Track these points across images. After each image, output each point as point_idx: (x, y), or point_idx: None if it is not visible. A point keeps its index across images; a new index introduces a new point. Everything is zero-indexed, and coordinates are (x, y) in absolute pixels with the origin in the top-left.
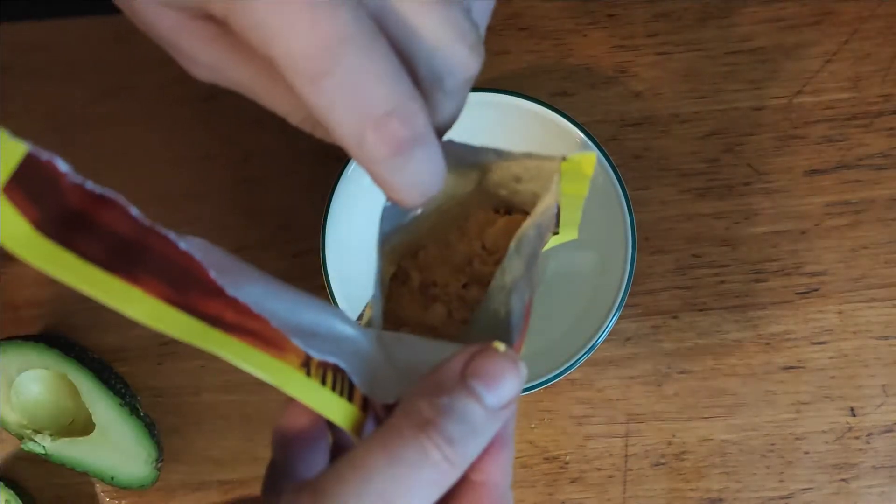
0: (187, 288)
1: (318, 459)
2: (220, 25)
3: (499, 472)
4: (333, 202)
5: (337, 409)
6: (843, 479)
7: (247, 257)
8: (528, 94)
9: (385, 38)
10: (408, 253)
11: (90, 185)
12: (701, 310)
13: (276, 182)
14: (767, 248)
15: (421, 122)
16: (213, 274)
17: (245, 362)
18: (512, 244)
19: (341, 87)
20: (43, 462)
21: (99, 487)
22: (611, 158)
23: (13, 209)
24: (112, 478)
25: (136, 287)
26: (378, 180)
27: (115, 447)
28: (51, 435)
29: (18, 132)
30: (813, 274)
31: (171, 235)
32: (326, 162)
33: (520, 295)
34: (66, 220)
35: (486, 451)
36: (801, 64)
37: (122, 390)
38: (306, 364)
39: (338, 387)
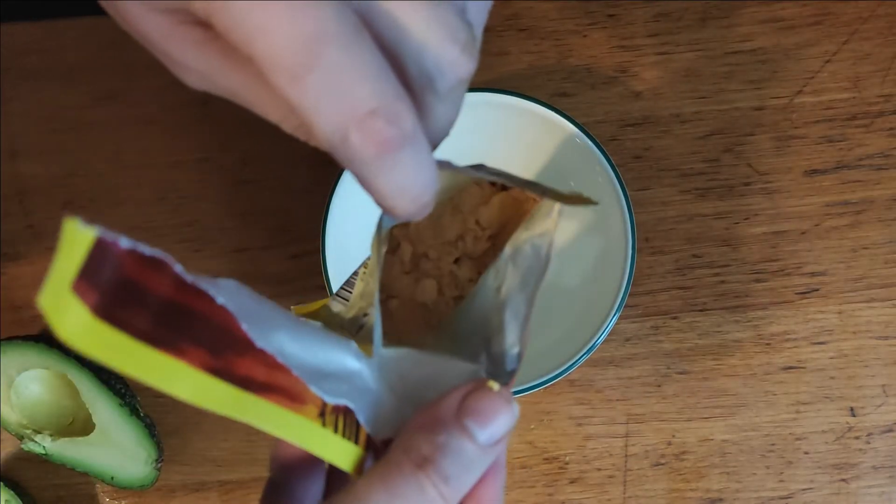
0: (224, 349)
1: (314, 481)
2: (209, 31)
3: (491, 499)
4: (333, 203)
5: (344, 456)
6: (843, 480)
7: (246, 258)
8: (528, 95)
9: (371, 36)
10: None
11: (141, 247)
12: (701, 310)
13: (274, 184)
14: (767, 249)
15: (408, 122)
16: (244, 326)
17: (271, 426)
18: (508, 248)
19: (323, 85)
20: (43, 462)
21: (99, 487)
22: (611, 158)
23: (77, 301)
24: (112, 478)
25: (180, 360)
26: (366, 185)
27: (115, 447)
28: (51, 435)
29: (18, 133)
30: (813, 274)
31: (210, 290)
32: (324, 164)
33: (514, 312)
34: (118, 294)
35: (481, 481)
36: (801, 64)
37: (122, 390)
38: (322, 413)
39: (347, 430)
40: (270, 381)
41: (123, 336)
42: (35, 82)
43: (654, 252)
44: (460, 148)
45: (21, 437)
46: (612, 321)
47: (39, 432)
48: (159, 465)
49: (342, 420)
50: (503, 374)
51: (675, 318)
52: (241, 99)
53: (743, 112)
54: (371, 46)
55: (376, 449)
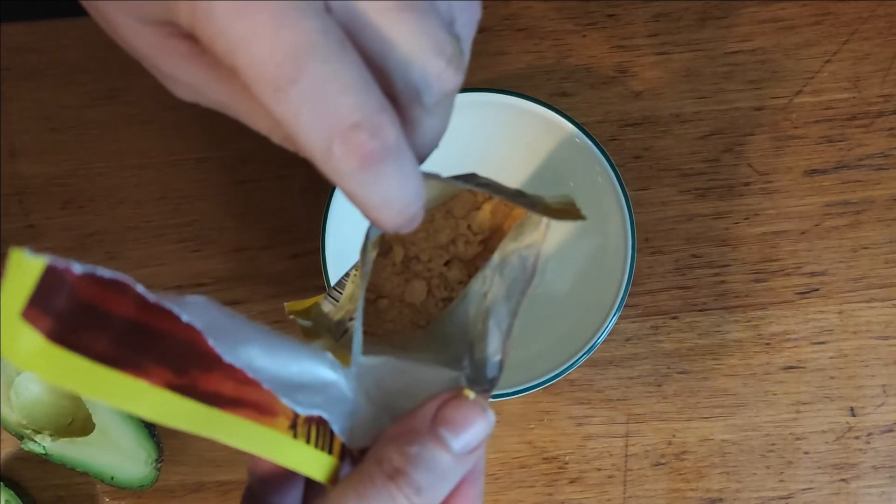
0: (190, 366)
1: (292, 490)
2: (196, 44)
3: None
4: (333, 203)
5: (317, 466)
6: (843, 479)
7: (246, 258)
8: (528, 95)
9: (356, 48)
10: None
11: (100, 271)
12: (701, 310)
13: (273, 184)
14: (767, 249)
15: (391, 134)
16: (211, 342)
17: (239, 441)
18: (496, 255)
19: (306, 97)
20: (43, 462)
21: (99, 487)
22: (611, 158)
23: (29, 328)
24: (112, 478)
25: (141, 379)
26: (351, 197)
27: (115, 447)
28: (51, 435)
29: (17, 133)
30: (813, 274)
31: (175, 308)
32: None
33: (498, 322)
34: (74, 318)
35: (457, 488)
36: (801, 64)
37: None
38: (294, 424)
39: (320, 440)
40: (239, 396)
41: (81, 359)
42: (35, 82)
43: (654, 252)
44: (460, 148)
45: (21, 437)
46: (612, 321)
47: (39, 432)
48: (159, 465)
49: (315, 430)
50: (484, 381)
51: (675, 318)
52: (230, 111)
53: (743, 112)
54: (355, 59)
55: (353, 458)
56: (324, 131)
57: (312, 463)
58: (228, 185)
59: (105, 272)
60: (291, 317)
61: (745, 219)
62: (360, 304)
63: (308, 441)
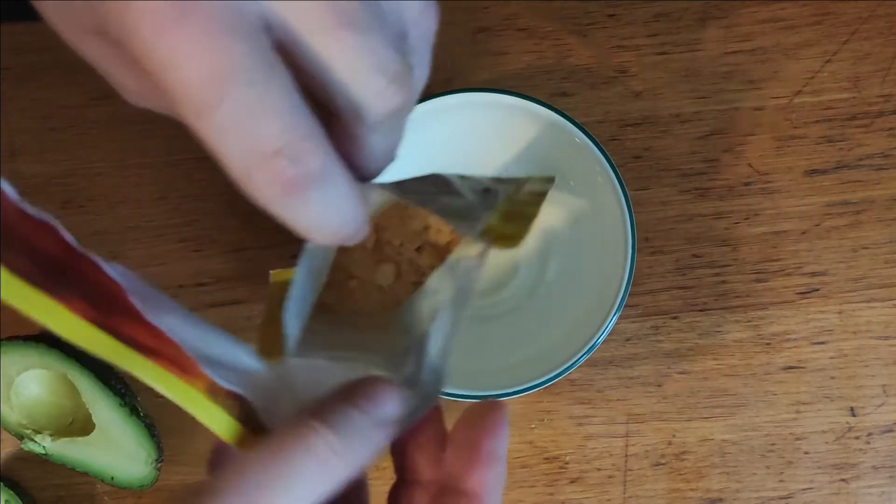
0: (110, 311)
1: None
2: None
3: (491, 487)
4: None
5: (229, 429)
6: (843, 479)
7: (247, 258)
8: (528, 95)
9: (295, 65)
10: None
11: (29, 208)
12: (701, 310)
13: None
14: (767, 249)
15: (315, 161)
16: (134, 300)
17: (157, 382)
18: (453, 257)
19: (228, 123)
20: (43, 462)
21: (99, 487)
22: (611, 158)
23: None
24: (112, 478)
25: (61, 305)
26: (280, 219)
27: (115, 447)
28: (51, 435)
29: (17, 133)
30: (813, 274)
31: (101, 262)
32: None
33: (441, 327)
34: (1, 236)
35: (477, 461)
36: (801, 64)
37: (122, 390)
38: (212, 391)
39: (236, 412)
40: (158, 349)
41: (4, 271)
42: (35, 81)
43: (654, 252)
44: (460, 148)
45: (21, 437)
46: (612, 321)
47: (39, 432)
48: (159, 465)
49: (232, 401)
50: (417, 381)
51: (675, 317)
52: (181, 119)
53: (743, 112)
54: (284, 83)
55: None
56: (244, 157)
57: (224, 425)
58: (228, 184)
59: (31, 210)
60: (275, 284)
61: (746, 219)
62: (295, 294)
63: (224, 409)
